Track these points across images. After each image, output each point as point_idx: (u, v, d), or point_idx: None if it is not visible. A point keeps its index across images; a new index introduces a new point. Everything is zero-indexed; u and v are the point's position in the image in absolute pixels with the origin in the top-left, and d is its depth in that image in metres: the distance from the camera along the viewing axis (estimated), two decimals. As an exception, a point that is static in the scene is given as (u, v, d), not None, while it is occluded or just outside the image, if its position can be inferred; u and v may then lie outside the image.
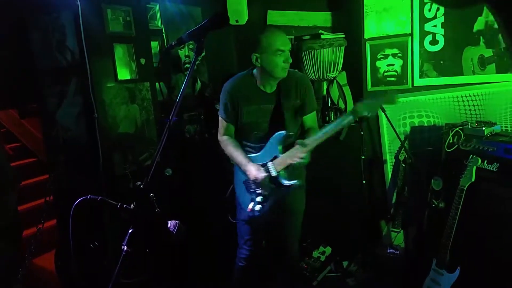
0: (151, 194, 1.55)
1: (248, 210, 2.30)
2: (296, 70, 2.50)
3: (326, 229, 3.34)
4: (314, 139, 2.20)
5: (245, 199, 2.41)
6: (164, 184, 2.85)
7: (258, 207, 2.25)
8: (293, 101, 2.36)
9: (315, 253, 3.30)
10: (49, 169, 3.00)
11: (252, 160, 2.36)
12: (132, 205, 1.54)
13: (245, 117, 2.39)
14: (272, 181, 2.31)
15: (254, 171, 2.28)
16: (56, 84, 2.70)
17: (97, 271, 2.56)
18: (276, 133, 2.30)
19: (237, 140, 2.48)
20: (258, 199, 2.27)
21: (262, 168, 2.30)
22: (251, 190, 2.36)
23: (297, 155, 2.20)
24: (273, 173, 2.29)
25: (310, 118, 2.44)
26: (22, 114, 5.05)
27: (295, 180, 2.28)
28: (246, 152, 2.42)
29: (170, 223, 1.61)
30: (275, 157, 2.30)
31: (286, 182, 2.28)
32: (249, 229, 2.51)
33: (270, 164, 2.31)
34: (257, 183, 2.29)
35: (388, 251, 3.16)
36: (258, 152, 2.39)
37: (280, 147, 2.30)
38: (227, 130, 2.48)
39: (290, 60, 2.27)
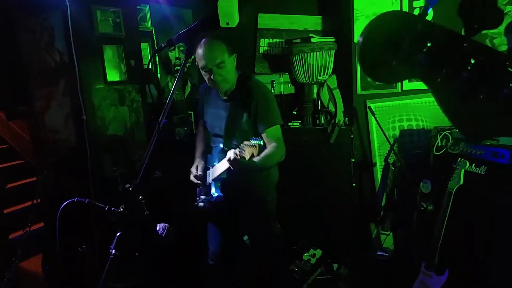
0: (140, 197, 1.54)
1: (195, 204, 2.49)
2: (258, 80, 2.45)
3: (316, 232, 3.34)
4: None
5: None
6: (154, 186, 2.83)
7: (201, 204, 2.45)
8: (243, 112, 2.31)
9: (306, 256, 3.30)
10: (37, 171, 2.96)
11: (206, 159, 2.53)
12: (120, 208, 1.52)
13: (205, 117, 2.54)
14: (208, 187, 2.44)
15: (192, 172, 2.49)
16: (45, 86, 2.67)
17: (85, 275, 2.53)
18: (219, 146, 2.38)
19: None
20: (201, 196, 2.46)
21: (201, 171, 2.46)
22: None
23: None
24: (208, 181, 2.42)
25: (268, 133, 2.30)
26: (10, 116, 4.99)
27: (221, 193, 2.36)
28: (208, 151, 2.55)
29: (159, 226, 1.60)
30: (213, 166, 2.40)
31: (212, 192, 2.40)
32: (208, 223, 2.65)
33: (208, 172, 2.45)
34: (196, 183, 2.47)
35: (378, 253, 3.18)
36: (212, 154, 2.49)
37: (217, 160, 2.36)
38: (201, 124, 2.66)
39: (215, 77, 2.24)
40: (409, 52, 0.72)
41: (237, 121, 2.31)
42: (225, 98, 2.39)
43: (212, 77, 2.24)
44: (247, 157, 1.94)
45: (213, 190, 2.40)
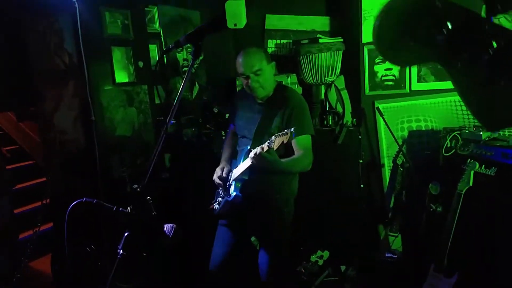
0: (148, 197, 1.54)
1: (210, 206, 2.50)
2: (295, 89, 2.52)
3: (324, 233, 3.32)
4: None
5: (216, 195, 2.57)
6: (161, 187, 2.84)
7: (216, 207, 2.47)
8: (276, 117, 2.33)
9: (313, 257, 3.29)
10: (46, 172, 2.99)
11: (232, 162, 2.52)
12: (128, 208, 1.53)
13: (237, 120, 2.54)
14: (227, 188, 2.42)
15: (216, 173, 2.46)
16: (54, 87, 2.69)
17: (93, 274, 2.55)
18: (246, 148, 2.34)
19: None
20: (218, 199, 2.47)
21: (225, 174, 2.43)
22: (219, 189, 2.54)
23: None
24: (229, 182, 2.41)
25: (298, 141, 2.30)
26: (20, 117, 5.05)
27: (239, 193, 2.32)
28: (235, 154, 2.53)
29: (166, 226, 1.60)
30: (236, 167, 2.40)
31: (231, 192, 2.37)
32: (218, 228, 2.59)
33: (231, 174, 2.43)
34: (217, 183, 2.45)
35: (386, 255, 3.15)
36: (237, 158, 2.47)
37: (242, 161, 2.34)
38: (231, 129, 2.67)
39: (252, 84, 2.30)
40: (427, 33, 0.69)
41: (268, 125, 2.33)
42: (260, 101, 2.42)
43: (249, 83, 2.30)
44: (276, 147, 1.94)
45: (232, 189, 2.37)
